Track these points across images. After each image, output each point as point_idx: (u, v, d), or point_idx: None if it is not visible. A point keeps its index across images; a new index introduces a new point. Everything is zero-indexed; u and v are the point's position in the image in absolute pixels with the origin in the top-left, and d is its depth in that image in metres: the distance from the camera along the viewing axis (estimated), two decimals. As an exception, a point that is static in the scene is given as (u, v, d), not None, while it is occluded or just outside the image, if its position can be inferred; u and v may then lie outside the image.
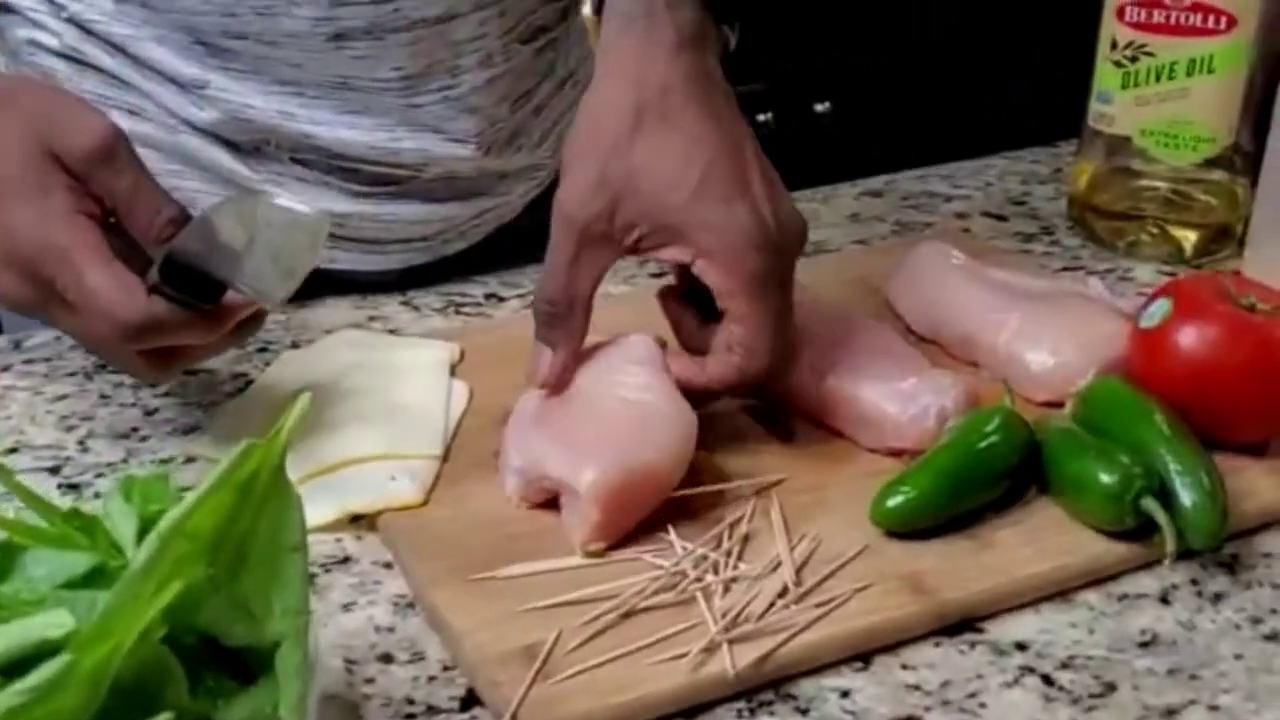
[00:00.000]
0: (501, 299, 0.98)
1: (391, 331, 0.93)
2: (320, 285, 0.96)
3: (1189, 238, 1.03)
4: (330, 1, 0.87)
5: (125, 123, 0.84)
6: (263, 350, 0.89)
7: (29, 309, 0.73)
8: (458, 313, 0.97)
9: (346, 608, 0.67)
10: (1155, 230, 1.03)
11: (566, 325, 0.74)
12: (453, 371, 0.85)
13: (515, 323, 0.93)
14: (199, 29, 0.89)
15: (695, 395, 0.74)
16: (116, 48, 0.91)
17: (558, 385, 0.75)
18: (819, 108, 2.25)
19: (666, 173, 0.71)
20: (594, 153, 0.72)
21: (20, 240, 0.70)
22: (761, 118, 2.21)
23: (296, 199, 0.76)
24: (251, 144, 0.93)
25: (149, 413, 0.83)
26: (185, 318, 0.71)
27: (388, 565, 0.70)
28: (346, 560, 0.70)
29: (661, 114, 0.71)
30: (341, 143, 0.92)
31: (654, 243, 0.72)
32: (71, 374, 0.87)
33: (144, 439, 0.80)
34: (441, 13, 0.91)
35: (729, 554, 0.68)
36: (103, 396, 0.85)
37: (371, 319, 0.95)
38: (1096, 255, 1.04)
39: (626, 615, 0.64)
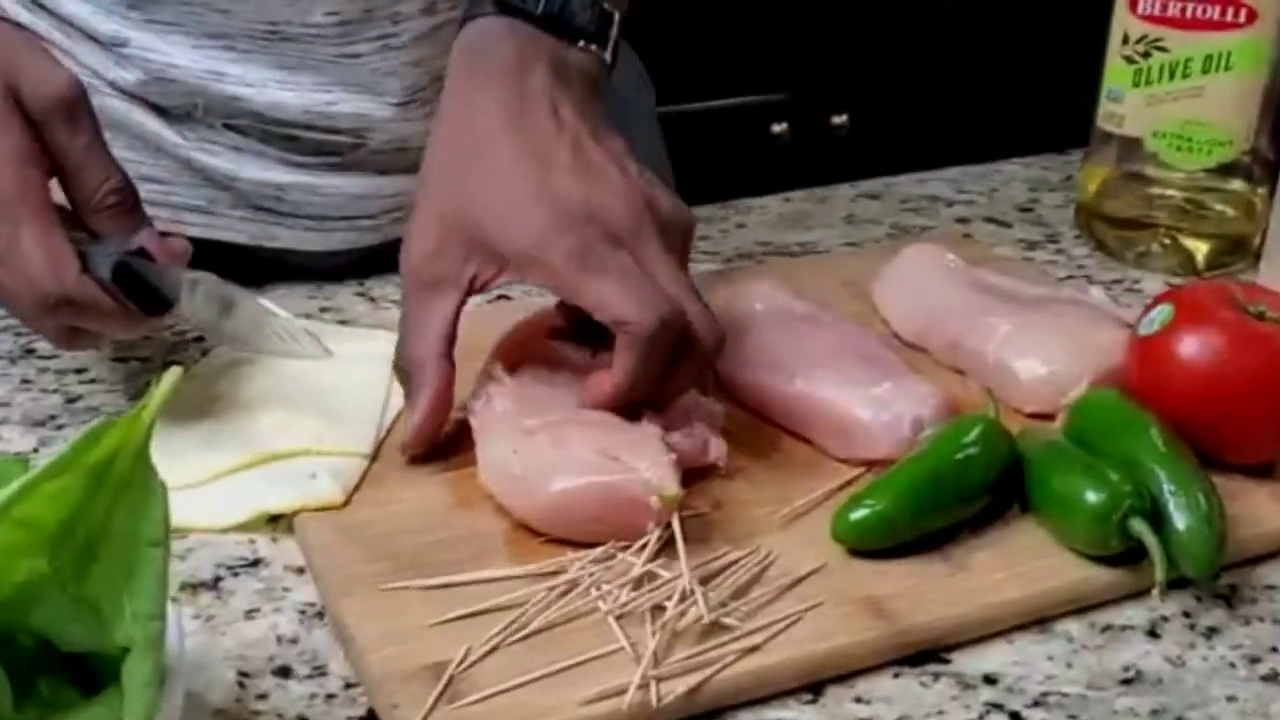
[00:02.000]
0: (464, 293, 0.92)
1: (343, 323, 0.87)
2: (271, 272, 0.91)
3: (1201, 249, 0.96)
4: None
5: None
6: (201, 339, 0.84)
7: None
8: (416, 306, 0.90)
9: (249, 615, 0.61)
10: (1167, 240, 0.97)
11: (416, 385, 0.69)
12: (397, 365, 0.79)
13: (471, 316, 0.88)
14: None
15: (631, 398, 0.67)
16: (34, 2, 0.85)
17: (420, 448, 0.70)
18: (836, 120, 2.20)
19: (479, 199, 0.68)
20: (421, 197, 0.70)
21: None
22: (777, 128, 2.16)
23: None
24: (180, 108, 0.87)
25: (70, 400, 0.77)
26: (107, 308, 0.68)
27: (300, 570, 0.64)
28: (256, 563, 0.64)
29: (475, 145, 0.69)
30: (274, 105, 0.86)
31: (488, 274, 0.68)
32: (-6, 358, 0.82)
33: (60, 427, 0.75)
34: None
35: (665, 567, 0.61)
36: (24, 381, 0.79)
37: (324, 310, 0.89)
38: (1104, 265, 0.98)
39: (541, 631, 0.58)
